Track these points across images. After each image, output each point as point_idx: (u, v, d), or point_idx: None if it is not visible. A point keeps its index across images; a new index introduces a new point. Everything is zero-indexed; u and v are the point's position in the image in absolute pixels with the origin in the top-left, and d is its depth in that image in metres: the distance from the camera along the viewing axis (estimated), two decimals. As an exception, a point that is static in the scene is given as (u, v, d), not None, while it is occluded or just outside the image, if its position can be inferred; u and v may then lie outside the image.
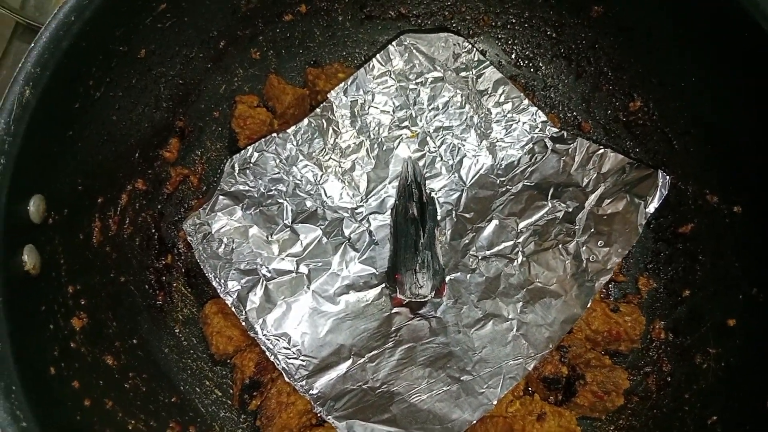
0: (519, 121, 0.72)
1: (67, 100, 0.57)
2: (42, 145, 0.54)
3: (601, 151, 0.70)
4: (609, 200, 0.68)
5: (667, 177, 0.68)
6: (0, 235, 0.49)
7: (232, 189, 0.67)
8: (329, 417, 0.60)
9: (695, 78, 0.67)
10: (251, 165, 0.68)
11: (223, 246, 0.65)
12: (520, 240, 0.68)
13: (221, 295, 0.64)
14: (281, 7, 0.75)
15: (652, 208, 0.67)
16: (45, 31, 0.54)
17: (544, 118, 0.72)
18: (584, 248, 0.67)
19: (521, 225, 0.68)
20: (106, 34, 0.59)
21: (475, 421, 0.60)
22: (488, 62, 0.74)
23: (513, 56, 0.78)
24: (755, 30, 0.58)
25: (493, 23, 0.77)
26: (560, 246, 0.67)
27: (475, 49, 0.74)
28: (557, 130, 0.72)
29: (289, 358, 0.62)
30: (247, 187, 0.68)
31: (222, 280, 0.64)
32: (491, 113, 0.72)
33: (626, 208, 0.67)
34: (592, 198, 0.69)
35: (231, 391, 0.66)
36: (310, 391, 0.61)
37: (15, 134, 0.51)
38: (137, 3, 0.61)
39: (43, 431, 0.45)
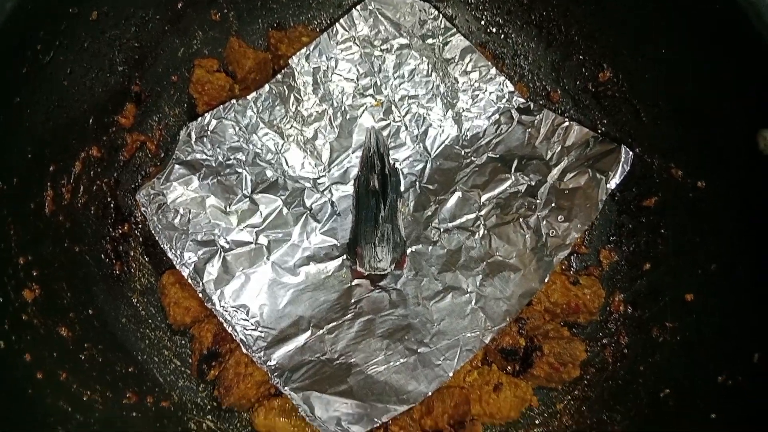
0: (486, 90, 0.71)
1: (13, 65, 0.55)
2: (-13, 113, 0.53)
3: (566, 123, 0.69)
4: (571, 174, 0.68)
5: (630, 153, 0.68)
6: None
7: (189, 158, 0.66)
8: (286, 388, 0.60)
9: (666, 51, 0.66)
10: (209, 133, 0.67)
11: (179, 216, 0.64)
12: (483, 213, 0.67)
13: (177, 267, 0.63)
14: (242, -36, 0.72)
15: (613, 184, 0.67)
16: (-15, -7, 0.52)
17: (511, 88, 0.71)
18: (544, 222, 0.66)
19: (484, 198, 0.68)
20: (54, -7, 0.57)
21: (430, 393, 0.61)
22: (455, 29, 0.71)
23: (483, 22, 0.76)
24: (727, 4, 0.57)
25: (465, -12, 0.75)
26: (521, 220, 0.66)
27: (441, 15, 0.71)
28: (524, 101, 0.71)
29: (248, 330, 0.62)
30: (204, 156, 0.66)
31: (178, 252, 0.63)
32: (458, 82, 0.71)
33: (588, 183, 0.67)
34: (555, 171, 0.68)
35: (190, 361, 0.66)
36: (268, 363, 0.61)
37: (-45, 103, 0.49)
38: (87, -38, 0.59)
39: (-12, 408, 0.45)
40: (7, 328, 0.52)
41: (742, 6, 0.56)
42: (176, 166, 0.65)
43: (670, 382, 0.61)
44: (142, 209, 0.64)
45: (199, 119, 0.67)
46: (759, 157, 0.58)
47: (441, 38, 0.71)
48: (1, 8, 0.53)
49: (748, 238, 0.60)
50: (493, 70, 0.71)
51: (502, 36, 0.77)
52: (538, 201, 0.67)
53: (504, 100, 0.71)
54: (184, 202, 0.64)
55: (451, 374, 0.61)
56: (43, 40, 0.57)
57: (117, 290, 0.66)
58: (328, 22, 0.76)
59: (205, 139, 0.66)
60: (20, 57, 0.56)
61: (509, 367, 0.67)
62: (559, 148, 0.69)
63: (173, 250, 0.63)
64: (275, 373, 0.61)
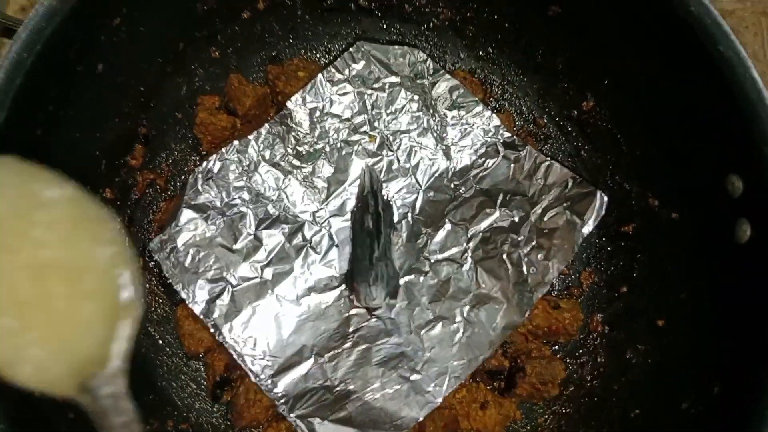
0: (473, 125, 0.74)
1: (27, 129, 0.59)
2: (8, 179, 0.57)
3: (548, 162, 0.73)
4: (551, 214, 0.72)
5: (605, 198, 0.72)
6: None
7: (197, 201, 0.70)
8: (291, 416, 0.67)
9: (644, 87, 0.69)
10: (214, 175, 0.71)
11: (189, 258, 0.69)
12: (470, 246, 0.72)
13: (189, 305, 0.68)
14: (238, 3, 0.74)
15: (587, 230, 0.71)
16: None
17: (497, 122, 0.74)
18: (526, 260, 0.71)
19: (471, 231, 0.72)
20: (61, 59, 0.60)
21: (421, 419, 0.67)
22: (443, 70, 0.75)
23: (472, 50, 0.79)
24: (705, 58, 0.60)
25: (453, 17, 0.77)
26: (504, 255, 0.71)
27: (429, 59, 0.74)
28: (509, 135, 0.74)
29: (255, 359, 0.68)
30: (210, 198, 0.71)
31: (190, 291, 0.68)
32: (446, 117, 0.74)
33: (565, 224, 0.71)
34: (537, 209, 0.72)
35: (205, 384, 0.72)
36: (274, 390, 0.67)
37: (-22, 176, 0.54)
38: (91, 23, 0.61)
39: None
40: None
41: (716, 60, 0.59)
42: (185, 210, 0.70)
43: (639, 403, 0.67)
44: (155, 256, 0.69)
45: (204, 164, 0.71)
46: (727, 199, 0.62)
47: (430, 78, 0.74)
48: (11, 83, 0.56)
49: (715, 273, 0.64)
50: (480, 106, 0.74)
51: (490, 63, 0.79)
52: (520, 238, 0.72)
53: (491, 134, 0.74)
54: (194, 244, 0.69)
55: (440, 400, 0.67)
56: (53, 101, 0.61)
57: (136, 323, 0.72)
58: (324, 52, 0.79)
59: (210, 182, 0.71)
60: (34, 120, 0.59)
61: (496, 383, 0.73)
62: (541, 186, 0.73)
63: (185, 290, 0.68)
64: (281, 401, 0.67)
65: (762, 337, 0.57)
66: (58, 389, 0.41)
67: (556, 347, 0.75)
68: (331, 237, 0.72)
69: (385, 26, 0.79)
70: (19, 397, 0.53)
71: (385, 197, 0.73)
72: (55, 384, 0.41)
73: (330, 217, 0.73)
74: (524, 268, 0.71)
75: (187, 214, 0.70)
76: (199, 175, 0.71)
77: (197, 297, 0.68)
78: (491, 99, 0.79)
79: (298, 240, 0.72)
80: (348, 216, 0.73)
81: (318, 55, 0.79)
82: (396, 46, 0.74)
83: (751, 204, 0.59)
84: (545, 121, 0.79)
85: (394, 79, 0.74)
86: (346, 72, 0.74)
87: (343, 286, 0.71)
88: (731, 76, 0.59)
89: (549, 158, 0.74)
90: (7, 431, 0.51)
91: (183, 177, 0.76)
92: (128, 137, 0.72)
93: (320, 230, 0.72)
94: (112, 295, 0.41)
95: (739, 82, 0.58)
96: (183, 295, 0.68)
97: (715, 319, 0.63)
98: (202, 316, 0.68)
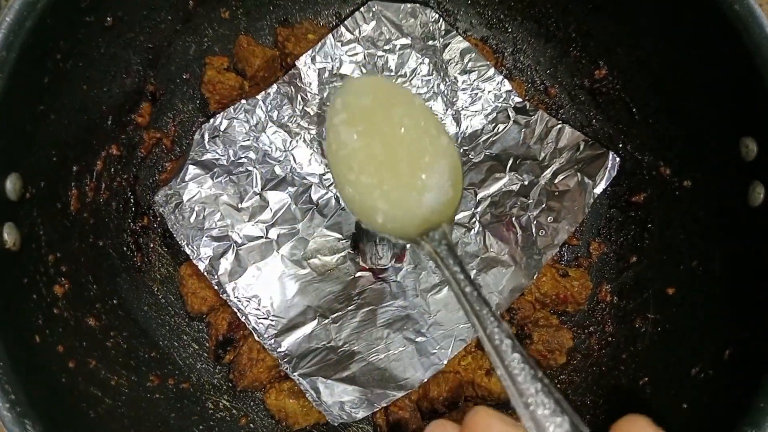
0: (484, 90, 0.74)
1: (36, 77, 0.58)
2: (15, 124, 0.56)
3: (559, 126, 0.72)
4: (562, 177, 0.71)
5: (617, 159, 0.71)
6: (-22, 220, 0.52)
7: (203, 158, 0.70)
8: (294, 374, 0.66)
9: (658, 53, 0.68)
10: (221, 133, 0.70)
11: (194, 214, 0.68)
12: (478, 210, 0.71)
13: (194, 261, 0.68)
14: (250, -36, 0.74)
15: (599, 189, 0.70)
16: (9, 13, 0.55)
17: (508, 87, 0.74)
18: (535, 222, 0.70)
19: (480, 195, 0.71)
20: (72, 7, 0.59)
21: (426, 380, 0.66)
22: (455, 32, 0.74)
23: (484, 17, 0.78)
24: (718, 18, 0.59)
25: (466, -18, 0.77)
26: (514, 219, 0.70)
27: (442, 19, 0.74)
28: (520, 101, 0.74)
29: (259, 318, 0.67)
30: (216, 156, 0.70)
31: (194, 247, 0.68)
32: (457, 81, 0.74)
33: (576, 186, 0.71)
34: (547, 173, 0.71)
35: (207, 345, 0.72)
36: (278, 349, 0.67)
37: (-15, 120, 0.53)
38: (102, -27, 0.61)
39: (30, 400, 0.50)
40: (41, 323, 0.57)
41: (730, 18, 0.59)
42: (191, 167, 0.69)
43: (648, 371, 0.66)
44: (160, 209, 0.69)
45: (211, 120, 0.71)
46: (740, 163, 0.61)
47: (441, 40, 0.74)
48: (21, 27, 0.56)
49: (727, 239, 0.63)
50: (492, 70, 0.74)
51: (503, 31, 0.79)
52: (530, 201, 0.71)
53: (501, 99, 0.74)
54: (199, 201, 0.69)
55: (445, 362, 0.67)
56: (62, 50, 0.60)
57: (139, 280, 0.71)
58: (334, 16, 0.79)
59: (217, 140, 0.70)
60: (42, 69, 0.59)
61: (501, 352, 0.72)
62: (552, 150, 0.72)
63: (190, 246, 0.68)
64: (285, 360, 0.66)
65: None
66: (402, 236, 0.53)
67: (564, 317, 0.74)
68: (337, 200, 0.72)
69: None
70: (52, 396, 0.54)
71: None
72: (399, 232, 0.53)
73: (337, 180, 0.72)
74: (533, 231, 0.70)
75: (192, 171, 0.69)
76: (206, 132, 0.70)
77: (202, 254, 0.68)
78: (503, 67, 0.79)
79: (304, 202, 0.71)
80: (356, 180, 0.72)
81: (328, 19, 0.78)
82: (408, 4, 0.73)
83: (765, 166, 0.58)
84: (557, 90, 0.78)
85: (404, 41, 0.73)
86: (357, 32, 0.73)
87: (349, 249, 0.70)
88: (746, 36, 0.58)
89: (560, 122, 0.73)
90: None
91: (189, 138, 0.75)
92: (136, 94, 0.71)
93: (327, 193, 0.72)
94: (446, 172, 0.53)
95: (755, 41, 0.57)
96: (187, 251, 0.68)
97: (727, 285, 0.62)
98: (206, 273, 0.67)
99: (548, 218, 0.70)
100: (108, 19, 0.64)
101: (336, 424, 0.66)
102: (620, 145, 0.74)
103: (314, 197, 0.71)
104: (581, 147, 0.72)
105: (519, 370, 0.39)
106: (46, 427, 0.50)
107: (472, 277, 0.68)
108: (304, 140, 0.72)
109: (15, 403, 0.49)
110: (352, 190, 0.54)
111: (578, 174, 0.71)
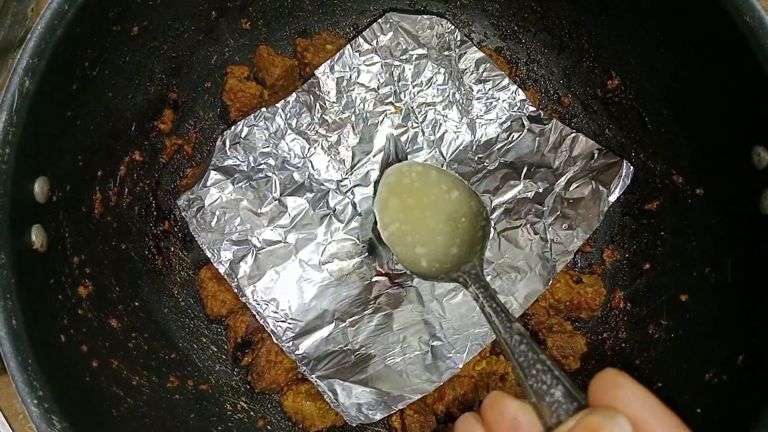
0: (499, 99, 0.75)
1: (64, 83, 0.60)
2: (44, 129, 0.58)
3: (573, 134, 0.74)
4: (576, 185, 0.72)
5: (631, 167, 0.72)
6: (8, 220, 0.53)
7: (224, 164, 0.71)
8: (312, 376, 0.67)
9: (670, 63, 0.69)
10: (242, 140, 0.72)
11: (215, 218, 0.70)
12: (493, 216, 0.72)
13: (215, 264, 0.69)
14: (271, -24, 0.76)
15: (613, 198, 0.71)
16: (40, 21, 0.57)
17: (522, 96, 0.75)
18: (550, 229, 0.71)
19: (495, 202, 0.73)
20: (100, 16, 0.61)
21: (442, 383, 0.67)
22: (470, 42, 0.76)
23: (498, 28, 0.80)
24: (728, 27, 0.60)
25: (480, -5, 0.79)
26: (528, 225, 0.72)
27: (457, 30, 0.75)
28: (534, 110, 0.75)
29: (278, 321, 0.69)
30: (237, 162, 0.72)
31: (215, 251, 0.69)
32: (472, 91, 0.75)
33: (591, 194, 0.72)
34: (562, 180, 0.73)
35: (225, 347, 0.73)
36: (296, 352, 0.68)
37: (17, 124, 0.55)
38: (130, -17, 0.63)
39: (56, 397, 0.51)
40: (66, 323, 0.59)
41: (741, 29, 0.60)
42: (212, 172, 0.71)
43: (661, 377, 0.67)
44: (182, 213, 0.70)
45: (233, 128, 0.72)
46: (752, 171, 0.62)
47: (457, 50, 0.75)
48: (52, 35, 0.58)
49: (738, 246, 0.64)
50: (506, 80, 0.75)
51: (516, 42, 0.80)
52: (544, 208, 0.72)
53: (516, 108, 0.75)
54: (220, 205, 0.70)
55: (461, 366, 0.67)
56: (90, 58, 0.62)
57: (159, 283, 0.72)
58: (352, 27, 0.80)
59: (238, 146, 0.72)
60: (71, 76, 0.61)
61: (515, 357, 0.73)
62: (566, 158, 0.73)
63: (211, 250, 0.69)
64: (303, 362, 0.67)
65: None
66: (443, 275, 0.61)
67: (578, 323, 0.75)
68: (354, 206, 0.73)
69: (412, 3, 0.80)
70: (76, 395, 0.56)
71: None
72: (439, 272, 0.62)
73: (354, 186, 0.73)
74: (548, 238, 0.71)
75: (214, 176, 0.71)
76: (227, 139, 0.72)
77: (222, 257, 0.69)
78: (516, 77, 0.80)
79: (322, 208, 0.72)
80: (371, 186, 0.73)
81: (346, 30, 0.80)
82: (425, 16, 0.75)
83: (776, 174, 0.59)
84: (570, 99, 0.79)
85: (421, 51, 0.75)
86: (374, 42, 0.75)
87: (366, 254, 0.72)
88: (757, 46, 0.59)
89: (575, 131, 0.74)
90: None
91: (210, 145, 0.77)
92: (159, 102, 0.73)
93: (344, 199, 0.73)
94: (461, 224, 0.64)
95: (765, 51, 0.59)
96: (208, 254, 0.69)
97: (739, 291, 0.63)
98: (226, 276, 0.69)
99: (563, 225, 0.71)
100: (134, 28, 0.66)
101: (354, 425, 0.67)
102: (633, 154, 0.75)
103: (332, 203, 0.73)
104: (595, 155, 0.73)
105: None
106: (71, 424, 0.51)
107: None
108: (322, 147, 0.74)
109: (42, 399, 0.50)
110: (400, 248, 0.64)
111: (592, 182, 0.72)
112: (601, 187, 0.72)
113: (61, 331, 0.58)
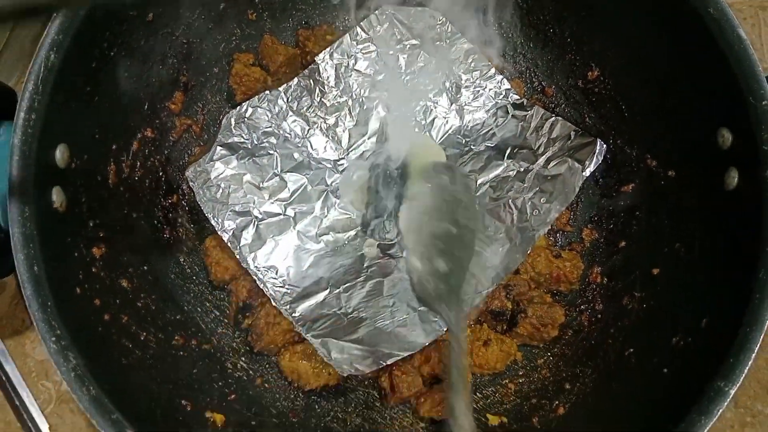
0: (485, 87, 0.81)
1: (85, 61, 0.66)
2: (66, 101, 0.63)
3: (553, 118, 0.79)
4: (554, 163, 0.78)
5: (604, 145, 0.78)
6: (33, 179, 0.59)
7: (229, 141, 0.77)
8: (308, 335, 0.72)
9: (644, 55, 0.75)
10: (246, 119, 0.78)
11: (220, 190, 0.75)
12: (479, 194, 0.78)
13: (219, 232, 0.74)
14: (276, -29, 0.83)
15: (588, 173, 0.77)
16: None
17: (507, 85, 0.81)
18: (529, 203, 0.77)
19: (480, 180, 0.78)
20: (119, 1, 0.67)
21: (427, 343, 0.72)
22: (460, 34, 0.81)
23: (487, 24, 0.86)
24: (695, 20, 0.66)
25: (470, -8, 0.85)
26: (510, 201, 0.77)
27: (448, 22, 0.81)
28: (518, 98, 0.81)
29: (276, 287, 0.73)
30: (242, 139, 0.77)
31: (219, 220, 0.74)
32: (461, 79, 0.81)
33: (567, 170, 0.77)
34: (541, 160, 0.78)
35: (227, 311, 0.78)
36: (293, 314, 0.73)
37: (43, 93, 0.60)
38: (147, -27, 0.69)
39: (72, 336, 0.56)
40: (81, 278, 0.64)
41: (706, 21, 0.66)
42: (218, 148, 0.76)
43: (633, 343, 0.71)
44: (190, 183, 0.76)
45: (238, 108, 0.78)
46: (717, 151, 0.67)
47: (448, 41, 0.81)
48: (76, 15, 0.63)
49: (706, 221, 0.69)
50: (492, 70, 0.81)
51: (505, 36, 0.86)
52: (525, 185, 0.77)
53: (501, 97, 0.81)
54: (225, 178, 0.76)
55: (445, 329, 0.72)
56: (108, 39, 0.68)
57: (167, 251, 0.77)
58: (350, 21, 0.86)
59: (242, 125, 0.77)
60: (91, 54, 0.66)
61: (497, 327, 0.78)
62: (546, 140, 0.79)
63: (215, 219, 0.74)
64: (299, 323, 0.72)
65: (746, 273, 0.61)
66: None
67: (558, 296, 0.79)
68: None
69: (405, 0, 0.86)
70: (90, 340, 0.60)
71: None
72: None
73: (350, 166, 0.79)
74: (528, 211, 0.76)
75: (219, 151, 0.76)
76: (233, 118, 0.78)
77: (226, 226, 0.74)
78: (504, 70, 0.86)
79: (320, 184, 0.78)
80: (367, 165, 0.79)
81: (345, 23, 0.86)
82: (419, 8, 0.81)
83: (739, 152, 0.65)
84: (553, 90, 0.85)
85: (414, 41, 0.81)
86: (371, 32, 0.81)
87: (360, 227, 0.77)
88: (720, 36, 0.65)
89: (554, 115, 0.80)
90: None
91: (216, 126, 0.82)
92: (170, 84, 0.79)
93: (340, 177, 0.78)
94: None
95: (727, 40, 0.64)
96: (213, 222, 0.74)
97: (705, 263, 0.68)
98: (229, 244, 0.74)
99: (541, 199, 0.77)
100: (149, 14, 0.72)
101: (345, 375, 0.71)
102: (611, 140, 0.81)
103: (328, 180, 0.78)
104: (572, 136, 0.78)
105: None
106: (85, 361, 0.56)
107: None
108: (321, 129, 0.79)
109: (60, 337, 0.55)
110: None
111: (569, 160, 0.77)
112: (576, 164, 0.77)
113: (77, 284, 0.63)
